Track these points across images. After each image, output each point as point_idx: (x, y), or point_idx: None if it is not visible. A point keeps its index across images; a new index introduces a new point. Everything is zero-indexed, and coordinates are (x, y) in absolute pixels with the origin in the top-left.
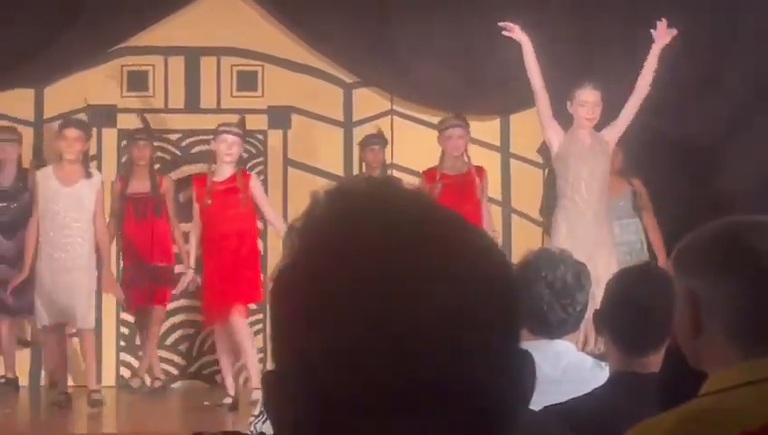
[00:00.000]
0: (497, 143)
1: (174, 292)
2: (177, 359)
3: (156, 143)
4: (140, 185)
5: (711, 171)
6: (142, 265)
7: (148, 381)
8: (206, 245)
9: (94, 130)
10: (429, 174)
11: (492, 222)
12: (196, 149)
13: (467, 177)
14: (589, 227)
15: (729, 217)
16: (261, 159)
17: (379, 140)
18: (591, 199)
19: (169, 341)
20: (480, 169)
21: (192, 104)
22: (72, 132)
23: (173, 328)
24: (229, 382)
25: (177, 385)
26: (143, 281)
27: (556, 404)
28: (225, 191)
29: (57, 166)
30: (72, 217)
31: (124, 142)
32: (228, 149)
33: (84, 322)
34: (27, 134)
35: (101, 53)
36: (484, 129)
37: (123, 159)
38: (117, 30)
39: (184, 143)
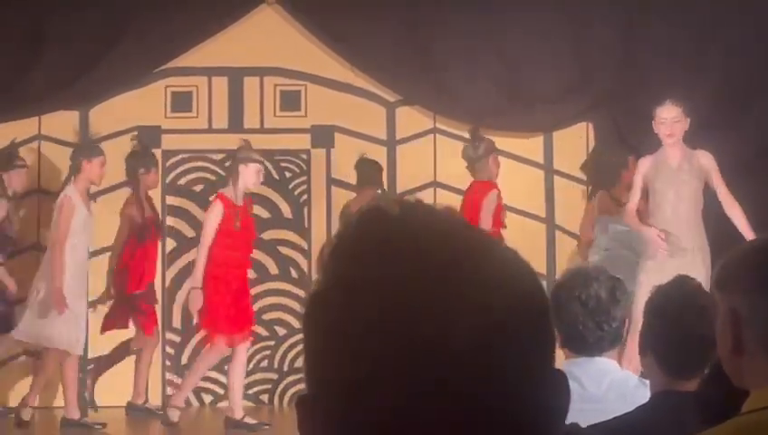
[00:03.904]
0: (540, 160)
1: None
2: (223, 378)
3: (199, 163)
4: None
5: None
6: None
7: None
8: None
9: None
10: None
11: None
12: None
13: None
14: (674, 249)
15: None
16: (304, 177)
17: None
18: (679, 221)
19: None
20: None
21: (235, 124)
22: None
23: None
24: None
25: (224, 404)
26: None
27: (599, 423)
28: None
29: None
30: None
31: (170, 162)
32: None
33: (59, 344)
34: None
35: (146, 75)
36: (528, 146)
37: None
38: (161, 51)
39: (228, 163)
